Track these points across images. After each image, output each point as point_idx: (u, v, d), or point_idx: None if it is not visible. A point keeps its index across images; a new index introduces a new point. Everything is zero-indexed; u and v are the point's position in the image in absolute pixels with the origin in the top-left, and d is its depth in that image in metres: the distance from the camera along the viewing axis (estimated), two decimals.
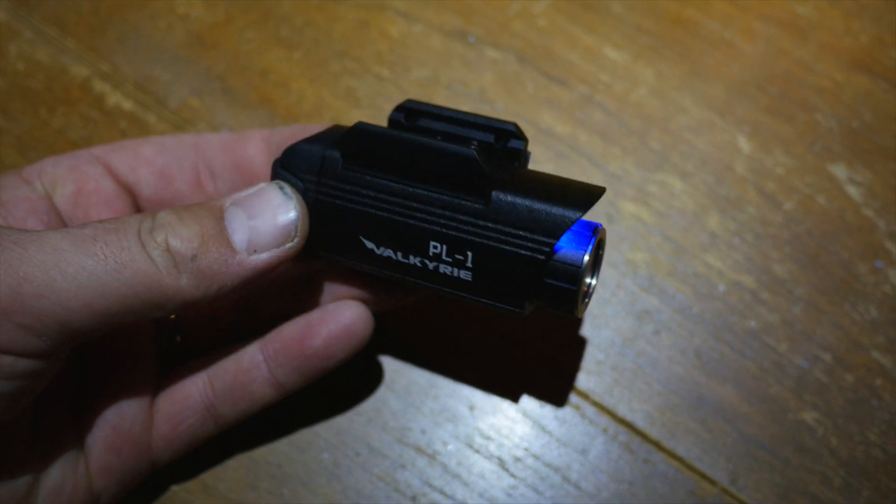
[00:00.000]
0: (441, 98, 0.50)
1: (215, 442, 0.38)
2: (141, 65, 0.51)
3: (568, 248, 0.31)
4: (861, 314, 0.44)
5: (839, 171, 0.49)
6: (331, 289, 0.37)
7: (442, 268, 0.32)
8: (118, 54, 0.52)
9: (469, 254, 0.31)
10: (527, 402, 0.41)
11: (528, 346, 0.42)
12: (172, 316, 0.38)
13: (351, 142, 0.33)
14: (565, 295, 0.31)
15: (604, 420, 0.41)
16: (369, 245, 0.33)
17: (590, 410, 0.41)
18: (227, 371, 0.35)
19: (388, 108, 0.50)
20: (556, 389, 0.41)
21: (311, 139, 0.34)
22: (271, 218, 0.31)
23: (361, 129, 0.33)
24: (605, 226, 0.46)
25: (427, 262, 0.32)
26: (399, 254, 0.33)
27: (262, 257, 0.31)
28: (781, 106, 0.51)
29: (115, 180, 0.36)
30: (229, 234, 0.30)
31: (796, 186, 0.48)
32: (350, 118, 0.50)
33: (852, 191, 0.48)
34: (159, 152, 0.37)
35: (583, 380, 0.42)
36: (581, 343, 0.43)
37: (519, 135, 0.33)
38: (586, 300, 0.34)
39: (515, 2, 0.55)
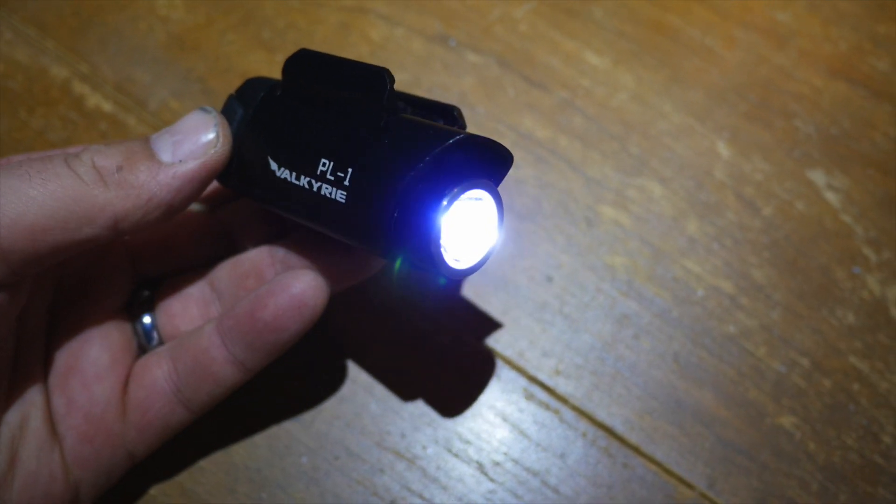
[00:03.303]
0: None
1: (194, 445, 0.38)
2: (121, 66, 0.51)
3: (441, 180, 0.29)
4: (839, 319, 0.44)
5: (818, 177, 0.49)
6: (289, 261, 0.37)
7: (324, 188, 0.31)
8: (98, 55, 0.51)
9: (349, 170, 0.30)
10: (506, 406, 0.41)
11: (506, 350, 0.43)
12: (146, 292, 0.38)
13: (291, 68, 0.34)
14: (423, 229, 0.29)
15: (583, 424, 0.41)
16: (272, 166, 0.33)
17: (569, 415, 0.41)
18: (188, 352, 0.35)
19: None
20: (535, 394, 0.41)
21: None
22: (194, 133, 0.32)
23: (302, 53, 0.33)
24: (584, 230, 0.46)
25: (313, 182, 0.31)
26: (293, 174, 0.32)
27: (188, 165, 0.31)
28: (761, 112, 0.51)
29: None
30: (155, 151, 0.31)
31: (775, 192, 0.48)
32: None
33: (830, 197, 0.48)
34: None
35: (562, 384, 0.42)
36: (561, 347, 0.43)
37: (456, 115, 0.32)
38: (462, 263, 0.31)
39: (497, 6, 0.55)
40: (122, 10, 0.53)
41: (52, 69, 0.51)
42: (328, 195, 0.31)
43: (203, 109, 0.33)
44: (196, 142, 0.32)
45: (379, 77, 0.30)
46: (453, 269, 0.30)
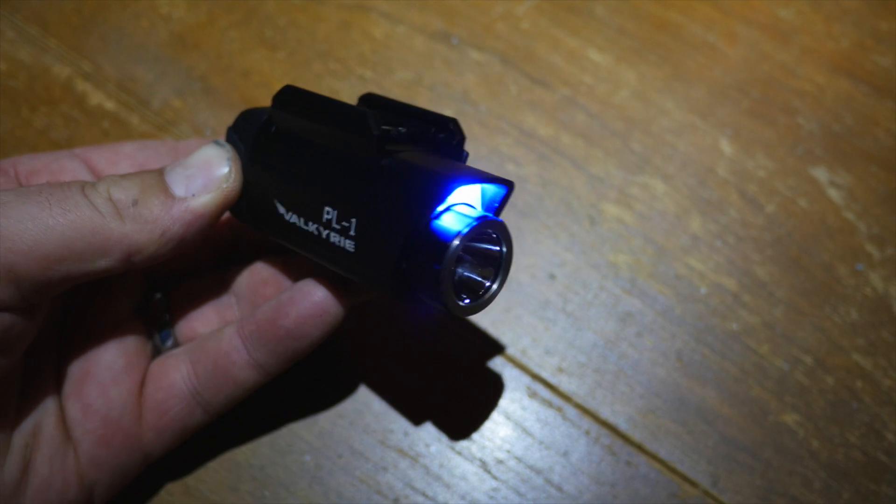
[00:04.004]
0: (424, 99, 0.50)
1: (198, 443, 0.38)
2: (123, 65, 0.51)
3: (445, 226, 0.29)
4: (842, 316, 0.44)
5: (820, 174, 0.49)
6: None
7: (332, 237, 0.31)
8: (100, 54, 0.51)
9: (353, 220, 0.30)
10: (509, 404, 0.41)
11: (509, 348, 0.42)
12: (158, 295, 0.38)
13: (280, 105, 0.34)
14: (431, 276, 0.29)
15: (586, 422, 0.41)
16: (280, 210, 0.33)
17: (572, 413, 0.41)
18: (208, 355, 0.35)
19: None
20: (538, 392, 0.41)
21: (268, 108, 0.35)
22: (207, 168, 0.32)
23: (287, 90, 0.33)
24: (587, 228, 0.46)
25: (321, 229, 0.31)
26: (301, 220, 0.32)
27: (201, 200, 0.32)
28: (763, 109, 0.51)
29: (94, 175, 0.36)
30: (168, 184, 0.32)
31: (778, 189, 0.48)
32: None
33: (833, 194, 0.48)
34: (140, 149, 0.38)
35: (565, 382, 0.42)
36: (563, 345, 0.43)
37: (453, 128, 0.32)
38: (470, 300, 0.31)
39: (499, 4, 0.55)
40: (123, 9, 0.53)
41: (54, 68, 0.51)
42: (336, 243, 0.31)
43: (217, 143, 0.33)
44: (209, 176, 0.32)
45: (364, 122, 0.30)
46: (462, 307, 0.31)
